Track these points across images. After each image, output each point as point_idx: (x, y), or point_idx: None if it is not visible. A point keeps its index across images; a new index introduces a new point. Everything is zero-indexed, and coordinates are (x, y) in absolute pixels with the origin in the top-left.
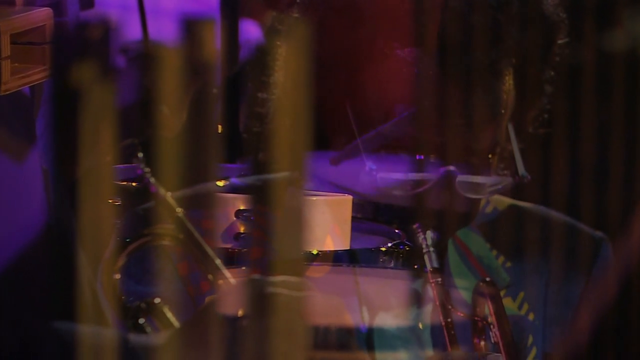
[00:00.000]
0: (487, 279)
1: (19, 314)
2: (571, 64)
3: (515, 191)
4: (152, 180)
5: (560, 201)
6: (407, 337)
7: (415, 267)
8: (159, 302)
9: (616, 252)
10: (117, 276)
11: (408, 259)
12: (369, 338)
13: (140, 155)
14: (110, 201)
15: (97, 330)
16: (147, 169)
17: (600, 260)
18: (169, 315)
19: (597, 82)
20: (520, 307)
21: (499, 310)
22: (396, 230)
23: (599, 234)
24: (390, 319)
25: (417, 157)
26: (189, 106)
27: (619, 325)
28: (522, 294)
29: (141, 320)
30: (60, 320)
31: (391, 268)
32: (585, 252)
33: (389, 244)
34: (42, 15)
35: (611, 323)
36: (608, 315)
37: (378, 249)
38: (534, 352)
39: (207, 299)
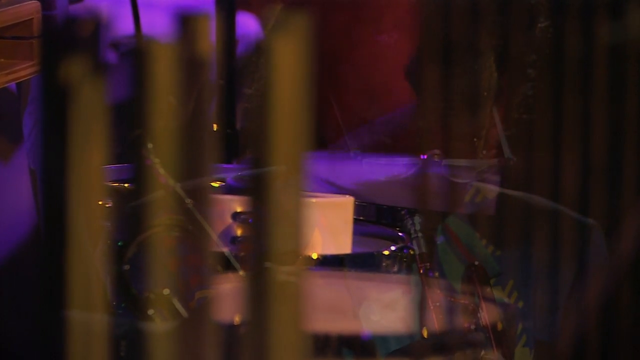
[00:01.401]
0: (476, 262)
1: (7, 314)
2: (561, 51)
3: (506, 180)
4: (162, 171)
5: (552, 189)
6: (409, 344)
7: (421, 271)
8: (168, 293)
9: (611, 240)
10: (127, 267)
11: (412, 263)
12: (371, 345)
13: (150, 146)
14: (101, 203)
15: (97, 318)
16: (157, 160)
17: (591, 248)
18: (178, 306)
19: (590, 70)
20: (509, 295)
21: (486, 294)
22: (399, 234)
23: (590, 221)
24: (393, 325)
25: (421, 156)
26: (192, 101)
27: (612, 311)
28: (511, 282)
29: (150, 311)
30: (57, 312)
31: (394, 273)
32: (576, 239)
33: (392, 248)
34: (30, 8)
35: (605, 310)
36: (602, 302)
37: (380, 253)
38: (524, 339)
39: (197, 296)
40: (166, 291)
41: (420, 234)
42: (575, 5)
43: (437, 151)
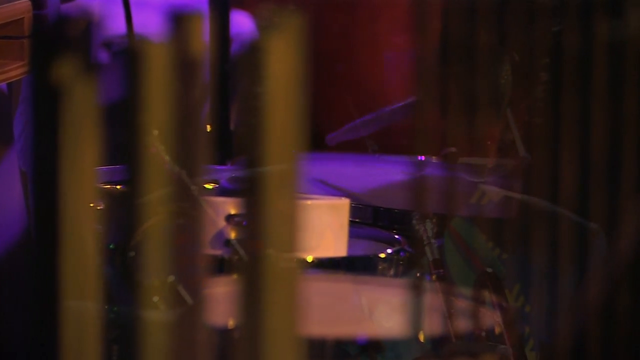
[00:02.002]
0: (489, 270)
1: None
2: (568, 52)
3: (520, 180)
4: (167, 158)
5: (557, 193)
6: (407, 349)
7: (418, 275)
8: (173, 280)
9: (611, 243)
10: (132, 254)
11: (409, 266)
12: (367, 350)
13: (155, 133)
14: (93, 205)
15: (90, 320)
16: (162, 147)
17: (595, 251)
18: (183, 293)
19: (604, 73)
20: (516, 299)
21: (503, 302)
22: (396, 236)
23: (593, 225)
24: (389, 330)
25: (419, 157)
26: (185, 101)
27: (612, 312)
28: (517, 286)
29: (155, 298)
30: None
31: (391, 276)
32: (580, 243)
33: (389, 251)
34: (21, 7)
35: (607, 313)
36: (604, 306)
37: (377, 255)
38: (531, 343)
39: (199, 285)
40: (171, 278)
41: (433, 240)
42: (584, 7)
43: (452, 149)
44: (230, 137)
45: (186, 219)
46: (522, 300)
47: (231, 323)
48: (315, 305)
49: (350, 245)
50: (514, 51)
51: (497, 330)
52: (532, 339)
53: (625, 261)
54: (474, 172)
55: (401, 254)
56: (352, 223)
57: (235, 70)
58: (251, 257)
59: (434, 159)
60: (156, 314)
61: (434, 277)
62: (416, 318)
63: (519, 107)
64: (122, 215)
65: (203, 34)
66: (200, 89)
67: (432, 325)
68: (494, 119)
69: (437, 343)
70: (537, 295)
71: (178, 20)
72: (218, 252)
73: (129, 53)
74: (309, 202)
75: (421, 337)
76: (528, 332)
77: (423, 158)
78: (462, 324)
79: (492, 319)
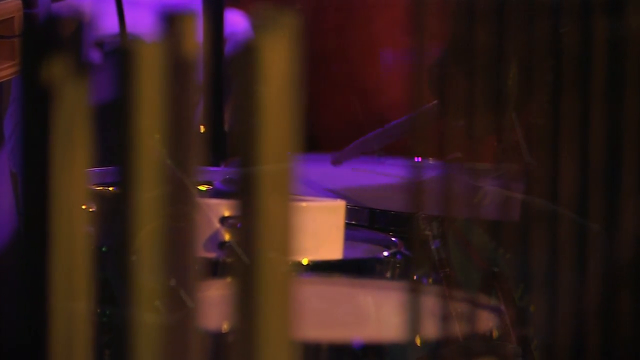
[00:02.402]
0: (496, 269)
1: None
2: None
3: (526, 184)
4: (170, 162)
5: (557, 194)
6: (404, 354)
7: (415, 277)
8: (172, 283)
9: (611, 244)
10: (134, 257)
11: (406, 268)
12: (367, 353)
13: (157, 136)
14: (83, 207)
15: (80, 323)
16: (164, 150)
17: (595, 252)
18: (184, 297)
19: (594, 72)
20: (520, 299)
21: (509, 301)
22: (393, 239)
23: (593, 225)
24: (386, 334)
25: (415, 159)
26: (178, 102)
27: (614, 315)
28: (522, 286)
29: (156, 302)
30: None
31: (387, 279)
32: (580, 243)
33: (385, 253)
34: (11, 6)
35: (608, 312)
36: (604, 306)
37: (373, 258)
38: (535, 343)
39: (192, 298)
40: (171, 281)
41: (437, 240)
42: (584, 7)
43: (458, 154)
44: (224, 138)
45: (182, 221)
46: (526, 299)
47: (225, 326)
48: (310, 309)
49: (346, 248)
50: (521, 53)
51: (504, 330)
52: (536, 338)
53: (626, 261)
54: (477, 174)
55: (398, 256)
56: (348, 225)
57: (230, 70)
58: (246, 260)
59: (433, 161)
60: (150, 317)
61: (439, 277)
62: (415, 320)
63: (524, 109)
64: (115, 217)
65: (196, 33)
66: (193, 89)
67: (433, 327)
68: (498, 122)
69: (441, 344)
70: (537, 296)
71: (171, 20)
72: (212, 254)
73: (121, 53)
74: (304, 204)
75: (418, 340)
76: (532, 331)
77: (420, 159)
78: (468, 324)
79: (498, 318)
